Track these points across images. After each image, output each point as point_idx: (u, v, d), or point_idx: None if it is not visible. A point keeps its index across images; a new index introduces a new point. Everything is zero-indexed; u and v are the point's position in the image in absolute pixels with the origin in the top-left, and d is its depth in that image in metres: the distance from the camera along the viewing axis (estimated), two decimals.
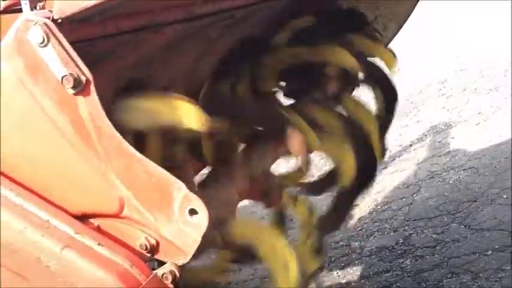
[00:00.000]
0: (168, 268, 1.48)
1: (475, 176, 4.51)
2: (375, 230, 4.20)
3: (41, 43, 1.44)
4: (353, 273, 3.78)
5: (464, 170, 4.66)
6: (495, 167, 4.54)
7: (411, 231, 4.05)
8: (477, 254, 3.59)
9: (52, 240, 1.45)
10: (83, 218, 1.53)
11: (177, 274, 1.48)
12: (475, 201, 4.19)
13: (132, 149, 1.47)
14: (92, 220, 1.53)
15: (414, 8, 3.20)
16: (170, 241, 1.49)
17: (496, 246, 3.61)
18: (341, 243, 4.04)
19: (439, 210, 4.20)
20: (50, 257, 1.43)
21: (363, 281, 3.66)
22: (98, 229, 1.52)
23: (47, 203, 1.50)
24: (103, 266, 1.44)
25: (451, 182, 4.54)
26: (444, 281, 3.45)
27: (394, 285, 3.52)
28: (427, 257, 3.73)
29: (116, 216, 1.51)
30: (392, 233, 4.11)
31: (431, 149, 5.21)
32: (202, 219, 1.45)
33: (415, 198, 4.46)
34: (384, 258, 3.83)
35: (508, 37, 7.23)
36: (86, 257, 1.44)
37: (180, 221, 1.47)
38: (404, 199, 4.50)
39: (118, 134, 1.46)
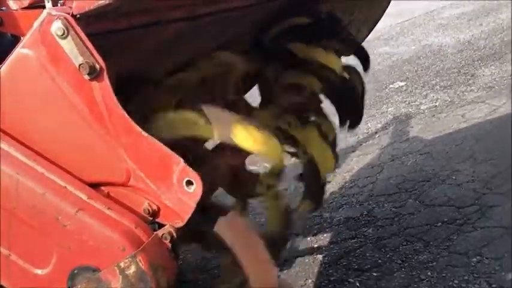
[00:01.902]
0: (167, 230, 1.49)
1: (429, 159, 4.53)
2: (343, 203, 4.22)
3: (62, 35, 1.43)
4: (323, 239, 3.80)
5: (420, 154, 4.68)
6: (447, 152, 4.56)
7: (374, 205, 4.07)
8: (429, 226, 3.61)
9: (68, 204, 1.45)
10: (94, 185, 1.53)
11: (174, 235, 1.49)
12: (429, 181, 4.21)
13: (138, 128, 1.47)
14: (102, 188, 1.54)
15: (384, 12, 3.18)
16: (169, 207, 1.50)
17: (445, 219, 3.63)
18: (314, 214, 4.05)
19: (398, 188, 4.22)
20: (66, 218, 1.44)
21: (331, 245, 3.68)
22: (108, 195, 1.53)
23: (64, 172, 1.50)
24: (111, 226, 1.45)
25: (409, 164, 4.56)
26: (400, 247, 3.48)
27: (358, 250, 3.54)
28: (387, 227, 3.75)
29: (123, 184, 1.52)
30: (358, 206, 4.13)
31: (393, 136, 5.22)
32: (197, 189, 1.46)
33: (378, 177, 4.48)
34: (350, 227, 3.85)
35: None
36: (96, 218, 1.45)
37: (178, 191, 1.47)
38: (369, 178, 4.51)
39: (126, 115, 1.47)
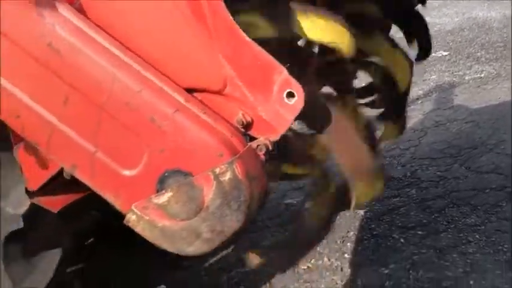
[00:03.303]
0: (262, 141, 1.43)
1: (475, 128, 4.46)
2: (385, 164, 4.15)
3: None
4: None
5: (465, 122, 4.60)
6: (493, 122, 4.48)
7: (417, 167, 4.02)
8: (476, 191, 3.57)
9: (165, 103, 1.39)
10: (189, 91, 1.47)
11: (270, 147, 1.43)
12: (475, 148, 4.14)
13: (242, 33, 1.41)
14: (195, 94, 1.48)
15: None
16: (264, 119, 1.44)
17: (493, 186, 3.58)
18: None
19: (442, 152, 4.16)
20: (162, 118, 1.38)
21: (373, 202, 3.62)
22: (202, 102, 1.47)
23: (161, 74, 1.44)
24: (208, 131, 1.39)
25: (453, 131, 4.49)
26: (446, 209, 3.43)
27: (402, 209, 3.51)
28: (431, 189, 3.71)
29: (218, 92, 1.46)
30: (400, 168, 4.08)
31: (436, 103, 5.13)
32: (298, 102, 1.40)
33: (421, 141, 4.41)
34: (392, 187, 3.80)
35: None
36: (193, 121, 1.39)
37: (277, 102, 1.41)
38: (411, 141, 4.44)
39: (231, 18, 1.40)
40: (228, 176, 1.36)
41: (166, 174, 1.41)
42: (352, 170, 1.61)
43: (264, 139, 1.44)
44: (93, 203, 1.79)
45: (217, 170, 1.36)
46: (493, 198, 3.44)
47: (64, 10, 1.43)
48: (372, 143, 2.28)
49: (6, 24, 1.40)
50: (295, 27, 1.68)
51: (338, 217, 3.50)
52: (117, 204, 1.47)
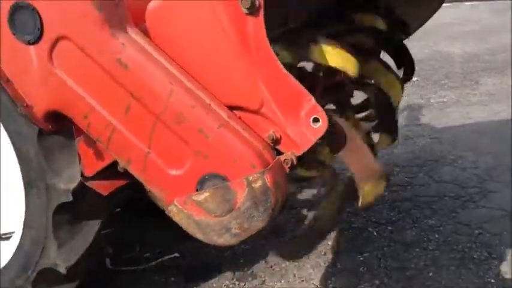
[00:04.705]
0: (289, 156, 1.41)
1: (438, 144, 4.44)
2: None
3: None
4: None
5: (430, 138, 4.59)
6: (453, 140, 4.47)
7: (389, 173, 3.99)
8: (437, 198, 3.56)
9: (212, 119, 1.37)
10: (230, 108, 1.44)
11: (294, 162, 1.41)
12: (437, 161, 4.13)
13: (279, 64, 1.39)
14: (235, 111, 1.45)
15: (434, 13, 2.94)
16: (291, 138, 1.42)
17: (452, 195, 3.57)
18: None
19: (411, 162, 4.15)
20: (209, 130, 1.36)
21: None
22: (240, 118, 1.44)
23: (209, 92, 1.41)
24: (245, 144, 1.37)
25: (420, 145, 4.47)
26: (411, 210, 3.43)
27: (376, 207, 3.47)
28: (400, 192, 3.69)
29: (255, 112, 1.43)
30: None
31: (407, 120, 5.10)
32: (322, 127, 1.38)
33: (393, 151, 4.38)
34: None
35: None
36: (234, 135, 1.37)
37: (304, 125, 1.40)
38: (386, 151, 4.40)
39: (272, 51, 1.37)
40: (259, 183, 1.34)
41: (206, 177, 1.39)
42: (361, 173, 1.59)
43: (290, 154, 1.42)
44: (129, 184, 1.77)
45: (251, 178, 1.34)
46: (451, 205, 3.44)
47: (133, 32, 1.40)
48: (372, 149, 2.27)
49: (84, 40, 1.36)
50: (310, 54, 1.68)
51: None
52: (161, 196, 1.45)
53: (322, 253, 2.99)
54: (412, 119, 5.14)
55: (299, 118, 1.39)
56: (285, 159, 1.40)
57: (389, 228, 3.22)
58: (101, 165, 1.61)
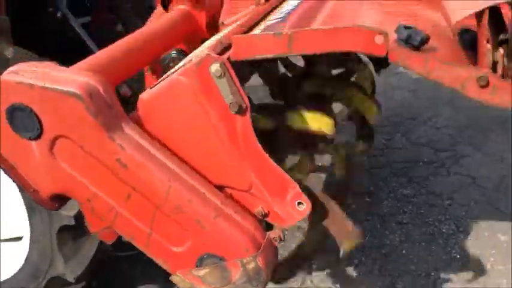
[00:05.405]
0: (277, 233, 1.55)
1: (415, 99, 4.58)
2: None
3: (219, 76, 1.40)
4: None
5: (408, 91, 4.71)
6: (431, 95, 4.60)
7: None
8: (412, 163, 3.75)
9: (208, 209, 1.49)
10: (223, 188, 1.57)
11: (282, 238, 1.58)
12: (414, 119, 4.29)
13: (266, 156, 1.49)
14: (227, 189, 1.58)
15: None
16: (279, 215, 1.55)
17: (425, 160, 3.77)
18: None
19: (388, 121, 4.30)
20: (206, 221, 1.47)
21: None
22: (231, 196, 1.58)
23: (204, 180, 1.53)
24: (240, 231, 1.50)
25: (398, 99, 4.60)
26: (388, 178, 3.64)
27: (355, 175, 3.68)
28: (378, 157, 3.88)
29: (245, 191, 1.57)
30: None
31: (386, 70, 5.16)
32: (306, 209, 1.52)
33: None
34: None
35: None
36: (229, 223, 1.50)
37: (289, 206, 1.53)
38: None
39: (259, 145, 1.49)
40: (252, 265, 1.49)
41: (205, 256, 1.54)
42: (341, 236, 1.81)
43: (279, 230, 1.58)
44: None
45: (245, 260, 1.50)
46: (424, 171, 3.63)
47: (129, 129, 1.48)
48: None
49: (82, 141, 1.45)
50: (288, 121, 1.89)
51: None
52: (165, 267, 1.62)
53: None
54: (391, 67, 5.21)
55: (285, 200, 1.52)
56: (274, 237, 1.57)
57: (367, 199, 3.46)
58: (103, 225, 1.75)
